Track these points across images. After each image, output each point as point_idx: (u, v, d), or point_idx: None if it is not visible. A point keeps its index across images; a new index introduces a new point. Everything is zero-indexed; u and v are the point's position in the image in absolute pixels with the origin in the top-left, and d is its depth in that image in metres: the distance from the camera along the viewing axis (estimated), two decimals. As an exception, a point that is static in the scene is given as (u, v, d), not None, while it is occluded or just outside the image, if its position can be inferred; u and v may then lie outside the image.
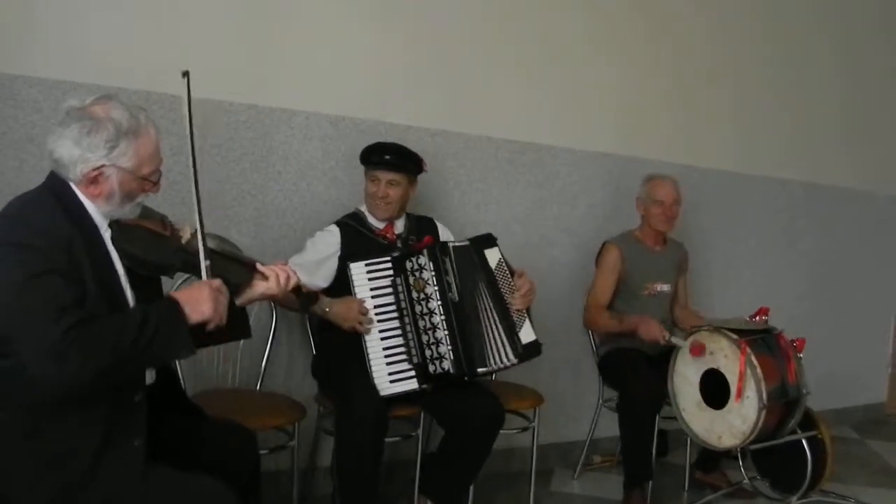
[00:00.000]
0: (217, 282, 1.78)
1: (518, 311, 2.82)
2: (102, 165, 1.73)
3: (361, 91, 3.21)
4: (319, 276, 2.82)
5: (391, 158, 2.88)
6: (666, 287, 3.54)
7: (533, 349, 2.81)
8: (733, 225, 4.36)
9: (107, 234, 1.79)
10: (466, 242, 2.82)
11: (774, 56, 4.42)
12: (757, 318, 3.10)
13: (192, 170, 1.84)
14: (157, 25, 2.81)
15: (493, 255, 2.85)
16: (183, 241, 1.86)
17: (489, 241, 2.87)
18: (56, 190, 1.75)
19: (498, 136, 3.55)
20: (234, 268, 1.94)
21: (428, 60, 3.35)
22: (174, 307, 1.71)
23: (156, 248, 1.82)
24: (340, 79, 3.16)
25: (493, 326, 2.74)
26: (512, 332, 2.76)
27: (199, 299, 1.73)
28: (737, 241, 4.38)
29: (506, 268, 2.86)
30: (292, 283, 1.99)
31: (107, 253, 1.77)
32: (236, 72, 2.96)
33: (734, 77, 4.27)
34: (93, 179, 1.74)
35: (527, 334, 2.81)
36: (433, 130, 3.16)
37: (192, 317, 1.72)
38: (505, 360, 2.71)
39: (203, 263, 1.81)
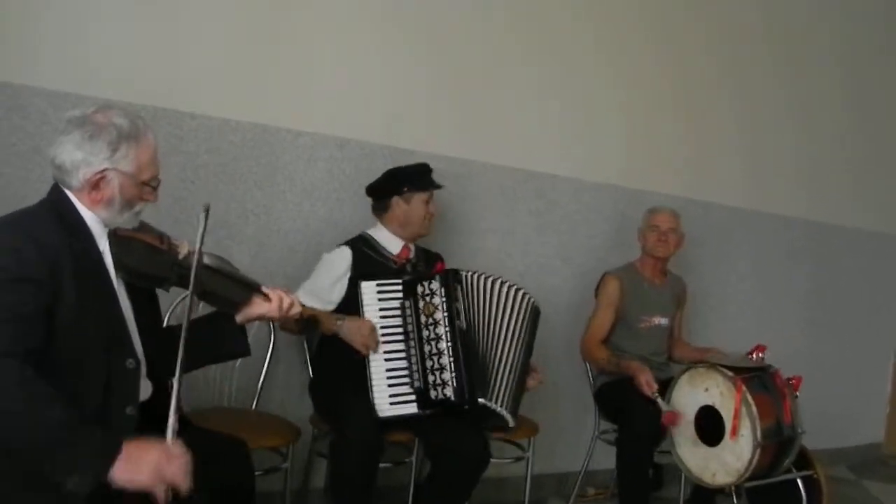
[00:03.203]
0: (177, 449, 1.62)
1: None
2: (105, 169, 1.76)
3: (368, 114, 3.23)
4: (334, 297, 2.80)
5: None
6: (664, 321, 3.53)
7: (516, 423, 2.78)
8: (735, 260, 4.36)
9: (104, 246, 1.80)
10: (481, 273, 2.83)
11: (785, 93, 4.45)
12: (754, 355, 3.09)
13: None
14: (166, 42, 2.83)
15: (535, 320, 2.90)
16: (180, 257, 1.87)
17: (537, 313, 2.89)
18: (54, 202, 1.78)
19: (500, 164, 3.57)
20: (229, 285, 1.96)
21: (435, 86, 3.38)
22: (113, 446, 1.57)
23: (151, 261, 1.83)
24: (347, 101, 3.19)
25: (506, 369, 2.72)
26: (520, 388, 2.77)
27: (141, 461, 1.57)
28: (738, 277, 4.38)
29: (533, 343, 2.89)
30: (294, 310, 2.01)
31: (102, 264, 1.79)
32: (243, 90, 2.98)
33: (741, 113, 4.30)
34: (95, 184, 1.76)
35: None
36: (437, 155, 3.18)
37: (119, 473, 1.55)
38: (501, 406, 2.68)
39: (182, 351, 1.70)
